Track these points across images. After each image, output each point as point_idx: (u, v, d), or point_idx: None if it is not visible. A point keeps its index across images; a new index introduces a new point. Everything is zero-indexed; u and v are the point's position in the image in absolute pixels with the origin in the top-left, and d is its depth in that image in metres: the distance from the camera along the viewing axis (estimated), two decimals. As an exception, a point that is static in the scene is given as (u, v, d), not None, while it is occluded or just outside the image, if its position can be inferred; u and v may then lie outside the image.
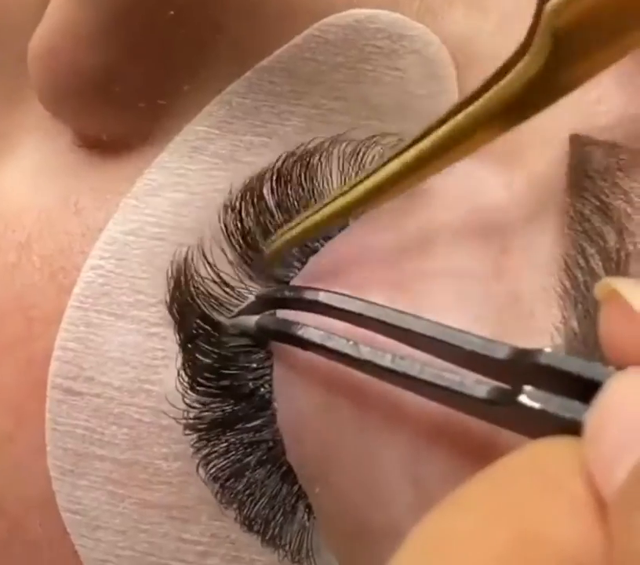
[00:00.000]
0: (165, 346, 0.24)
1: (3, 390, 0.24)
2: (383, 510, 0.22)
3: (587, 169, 0.22)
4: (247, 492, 0.24)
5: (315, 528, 0.24)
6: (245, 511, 0.24)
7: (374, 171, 0.22)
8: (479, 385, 0.19)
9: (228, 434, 0.24)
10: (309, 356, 0.23)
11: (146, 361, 0.24)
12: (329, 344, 0.21)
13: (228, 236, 0.24)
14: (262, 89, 0.24)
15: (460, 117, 0.21)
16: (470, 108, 0.20)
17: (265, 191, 0.24)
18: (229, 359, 0.24)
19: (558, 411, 0.18)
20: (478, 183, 0.24)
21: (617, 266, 0.21)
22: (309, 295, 0.22)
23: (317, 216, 0.23)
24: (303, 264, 0.24)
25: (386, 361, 0.20)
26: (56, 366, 0.24)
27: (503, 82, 0.20)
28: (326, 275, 0.24)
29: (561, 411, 0.18)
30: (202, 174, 0.25)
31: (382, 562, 0.22)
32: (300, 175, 0.24)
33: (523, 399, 0.18)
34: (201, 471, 0.24)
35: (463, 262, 0.22)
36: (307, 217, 0.23)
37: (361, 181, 0.22)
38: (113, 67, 0.24)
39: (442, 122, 0.21)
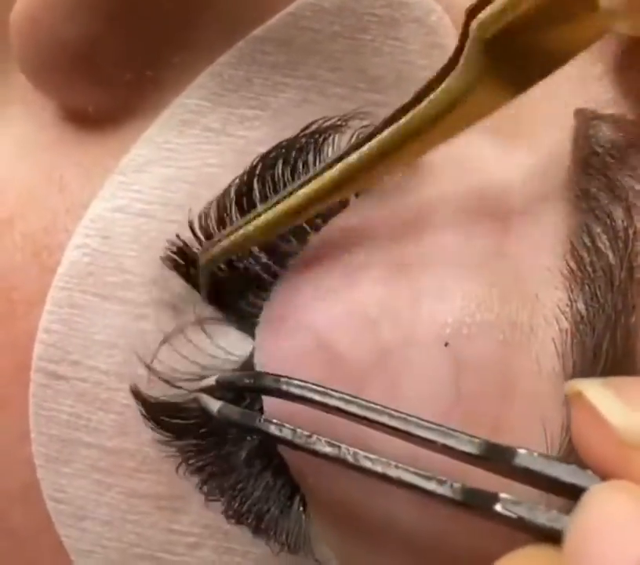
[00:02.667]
0: (154, 328, 0.23)
1: None
2: (380, 502, 0.21)
3: (592, 145, 0.21)
4: (239, 486, 0.23)
5: (311, 519, 0.23)
6: (236, 505, 0.23)
7: (304, 183, 0.22)
8: (452, 487, 0.19)
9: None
10: (294, 335, 0.22)
11: (134, 344, 0.23)
12: (292, 439, 0.21)
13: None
14: (255, 60, 0.23)
15: (390, 130, 0.20)
16: (401, 121, 0.20)
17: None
18: None
19: (535, 520, 0.18)
20: (480, 160, 0.23)
21: (625, 245, 0.20)
22: (270, 383, 0.21)
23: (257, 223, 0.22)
24: (303, 242, 0.23)
25: (349, 458, 0.20)
26: (39, 348, 0.23)
27: (432, 97, 0.20)
28: (326, 257, 0.23)
29: (539, 520, 0.18)
30: (192, 149, 0.24)
31: (377, 554, 0.21)
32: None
33: (499, 508, 0.18)
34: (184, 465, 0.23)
35: (464, 242, 0.21)
36: (244, 224, 0.22)
37: (293, 191, 0.22)
38: (96, 37, 0.23)
39: (372, 135, 0.21)
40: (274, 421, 0.21)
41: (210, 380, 0.23)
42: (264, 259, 0.23)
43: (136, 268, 0.23)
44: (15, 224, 0.24)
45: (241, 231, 0.22)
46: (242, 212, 0.23)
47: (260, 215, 0.22)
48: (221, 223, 0.23)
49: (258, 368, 0.23)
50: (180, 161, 0.24)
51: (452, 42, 0.23)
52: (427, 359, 0.21)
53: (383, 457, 0.20)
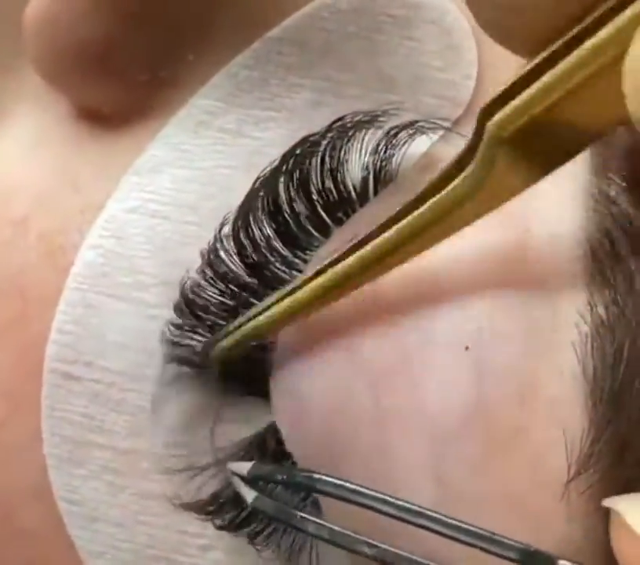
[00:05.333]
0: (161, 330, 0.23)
1: None
2: None
3: (612, 147, 0.21)
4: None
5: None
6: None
7: (316, 274, 0.21)
8: None
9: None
10: (317, 329, 0.22)
11: (147, 345, 0.23)
12: (331, 539, 0.21)
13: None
14: (270, 61, 0.23)
15: (407, 220, 0.20)
16: (413, 216, 0.20)
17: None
18: None
19: None
20: None
21: None
22: (304, 481, 0.21)
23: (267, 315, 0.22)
24: (326, 236, 0.23)
25: (388, 559, 0.20)
26: (53, 349, 0.23)
27: (447, 191, 0.19)
28: None
29: None
30: (207, 150, 0.24)
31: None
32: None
33: None
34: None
35: (485, 243, 0.21)
36: (253, 317, 0.22)
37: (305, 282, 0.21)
38: (112, 36, 0.23)
39: (386, 225, 0.20)
40: (312, 519, 0.21)
41: (242, 467, 0.22)
42: (286, 253, 0.23)
43: (149, 269, 0.23)
44: (29, 223, 0.24)
45: (251, 323, 0.22)
46: (270, 217, 0.23)
47: (270, 307, 0.22)
48: (248, 234, 0.23)
49: (280, 356, 0.22)
50: (194, 162, 0.23)
51: (468, 44, 0.24)
52: (448, 363, 0.20)
53: (424, 559, 0.20)
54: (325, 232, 0.23)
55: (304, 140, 0.23)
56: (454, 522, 0.19)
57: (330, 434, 0.22)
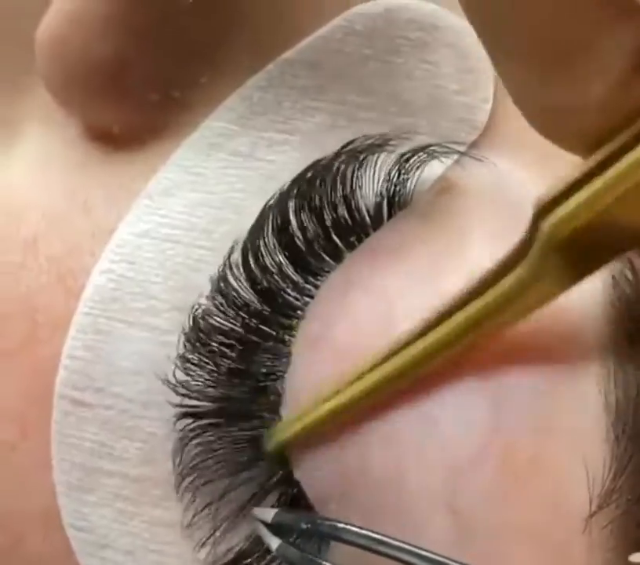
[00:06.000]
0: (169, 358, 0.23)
1: (6, 398, 0.23)
2: (415, 534, 0.21)
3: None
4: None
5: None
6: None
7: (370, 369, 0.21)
8: None
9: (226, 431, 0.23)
10: (332, 362, 0.22)
11: (159, 371, 0.23)
12: None
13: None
14: (284, 83, 0.23)
15: (451, 321, 0.20)
16: (462, 314, 0.20)
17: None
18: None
19: None
20: (510, 179, 0.23)
21: None
22: (328, 530, 0.21)
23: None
24: (337, 261, 0.23)
25: None
26: (63, 375, 0.23)
27: (497, 289, 0.19)
28: (362, 279, 0.22)
29: None
30: (220, 173, 0.23)
31: None
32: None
33: None
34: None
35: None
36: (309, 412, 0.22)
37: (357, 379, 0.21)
38: (125, 56, 0.22)
39: (430, 327, 0.20)
40: None
41: (267, 514, 0.22)
42: (297, 279, 0.23)
43: (161, 294, 0.23)
44: (39, 245, 0.23)
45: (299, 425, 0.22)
46: (280, 242, 0.23)
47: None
48: (257, 260, 0.23)
49: (292, 387, 0.22)
50: (207, 185, 0.23)
51: (485, 66, 0.23)
52: (465, 391, 0.20)
53: None
54: (338, 257, 0.23)
55: (314, 164, 0.23)
56: None
57: (343, 465, 0.21)
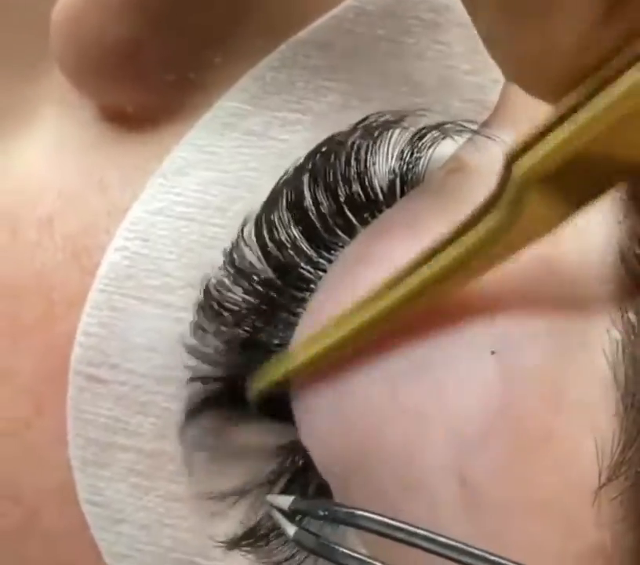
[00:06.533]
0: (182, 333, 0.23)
1: (22, 374, 0.23)
2: (426, 508, 0.21)
3: None
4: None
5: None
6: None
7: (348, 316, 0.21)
8: None
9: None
10: None
11: (173, 347, 0.23)
12: None
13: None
14: (297, 63, 0.23)
15: (428, 267, 0.20)
16: (440, 257, 0.20)
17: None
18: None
19: None
20: None
21: None
22: (345, 517, 0.21)
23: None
24: (351, 236, 0.23)
25: None
26: (78, 352, 0.23)
27: (474, 232, 0.20)
28: (375, 254, 0.22)
29: None
30: (234, 152, 0.23)
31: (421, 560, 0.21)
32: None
33: None
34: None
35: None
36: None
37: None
38: (140, 37, 0.23)
39: (409, 272, 0.21)
40: (355, 555, 0.21)
41: (283, 501, 0.22)
42: (311, 253, 0.23)
43: (175, 272, 0.23)
44: (55, 224, 0.24)
45: (283, 366, 0.22)
46: (294, 217, 0.23)
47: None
48: (272, 233, 0.23)
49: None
50: (220, 164, 0.23)
51: None
52: (474, 366, 0.20)
53: None
54: (351, 232, 0.23)
55: (329, 139, 0.23)
56: (500, 559, 0.19)
57: (354, 441, 0.22)
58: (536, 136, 0.18)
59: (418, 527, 0.20)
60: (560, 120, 0.17)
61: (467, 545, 0.19)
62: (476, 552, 0.19)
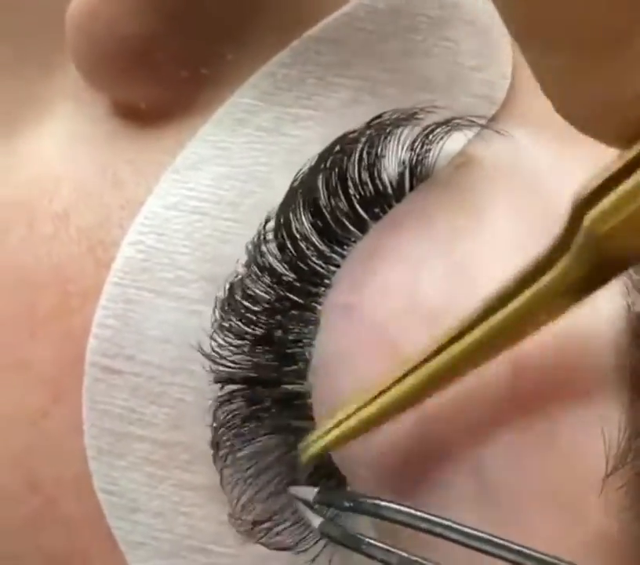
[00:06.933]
0: (206, 324, 0.23)
1: (39, 364, 0.24)
2: (438, 500, 0.21)
3: None
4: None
5: None
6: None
7: (415, 368, 0.20)
8: None
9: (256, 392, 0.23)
10: (359, 329, 0.22)
11: (187, 339, 0.23)
12: (396, 563, 0.20)
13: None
14: (308, 60, 0.24)
15: (498, 316, 0.19)
16: (507, 309, 0.19)
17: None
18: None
19: None
20: (527, 154, 0.23)
21: None
22: (370, 509, 0.21)
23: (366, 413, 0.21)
24: (363, 231, 0.23)
25: None
26: (94, 343, 0.23)
27: (540, 284, 0.19)
28: (387, 248, 0.23)
29: None
30: (246, 147, 0.24)
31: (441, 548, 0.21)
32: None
33: None
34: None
35: (520, 243, 0.21)
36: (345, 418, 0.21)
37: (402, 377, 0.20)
38: (154, 34, 0.23)
39: (470, 327, 0.20)
40: (381, 545, 0.21)
41: (307, 493, 0.22)
42: (323, 248, 0.23)
43: (189, 265, 0.24)
44: (70, 217, 0.24)
45: (334, 433, 0.22)
46: (309, 214, 0.23)
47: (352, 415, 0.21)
48: (288, 229, 0.23)
49: (320, 353, 0.23)
50: (233, 159, 0.24)
51: (503, 43, 0.24)
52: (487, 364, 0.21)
53: None
54: (362, 228, 0.23)
55: (343, 136, 0.23)
56: (522, 549, 0.19)
57: (370, 435, 0.22)
58: (607, 183, 0.17)
59: (442, 518, 0.20)
60: (631, 167, 0.17)
61: (491, 535, 0.20)
62: (499, 542, 0.19)
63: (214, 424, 0.23)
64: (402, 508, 0.20)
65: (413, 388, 0.20)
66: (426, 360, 0.20)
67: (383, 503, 0.21)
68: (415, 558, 0.20)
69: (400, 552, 0.20)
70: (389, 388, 0.21)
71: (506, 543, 0.19)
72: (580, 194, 0.17)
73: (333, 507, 0.22)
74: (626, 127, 0.17)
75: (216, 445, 0.23)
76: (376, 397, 0.21)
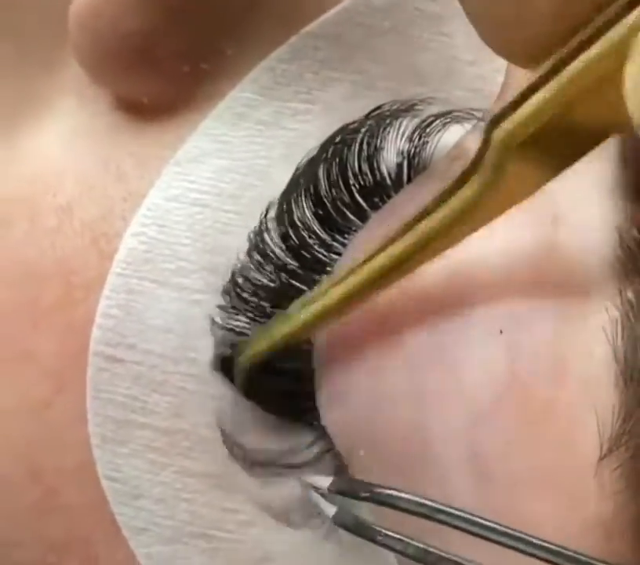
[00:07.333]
0: (208, 313, 0.24)
1: (43, 355, 0.24)
2: (436, 485, 0.22)
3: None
4: None
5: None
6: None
7: (347, 275, 0.22)
8: None
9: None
10: (359, 313, 0.23)
11: (189, 328, 0.24)
12: (415, 554, 0.21)
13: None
14: (307, 55, 0.24)
15: (423, 226, 0.20)
16: (434, 217, 0.20)
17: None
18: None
19: None
20: None
21: None
22: (386, 499, 0.21)
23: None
24: (363, 220, 0.24)
25: None
26: (97, 333, 0.24)
27: (460, 195, 0.20)
28: (385, 232, 0.23)
29: None
30: (245, 141, 0.24)
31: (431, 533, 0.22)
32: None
33: None
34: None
35: (514, 242, 0.22)
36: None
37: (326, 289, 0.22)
38: (156, 30, 0.23)
39: (395, 238, 0.21)
40: (397, 536, 0.21)
41: (322, 482, 0.23)
42: (324, 236, 0.24)
43: (190, 256, 0.24)
44: (74, 210, 0.25)
45: (284, 326, 0.23)
46: (311, 203, 0.24)
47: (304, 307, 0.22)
48: (290, 218, 0.24)
49: (322, 338, 0.23)
50: (233, 153, 0.24)
51: None
52: (484, 345, 0.21)
53: None
54: (362, 217, 0.24)
55: (343, 128, 0.24)
56: (538, 541, 0.20)
57: (371, 419, 0.23)
58: (515, 102, 0.18)
59: (458, 509, 0.20)
60: (538, 85, 0.18)
61: (505, 527, 0.20)
62: (513, 533, 0.20)
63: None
64: (420, 499, 0.21)
65: (358, 284, 0.21)
66: (368, 259, 0.21)
67: (400, 494, 0.21)
68: (432, 549, 0.21)
69: (414, 543, 0.21)
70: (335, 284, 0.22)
71: (521, 535, 0.20)
72: (491, 111, 0.19)
73: (349, 496, 0.22)
74: (535, 47, 0.18)
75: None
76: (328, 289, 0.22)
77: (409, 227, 0.21)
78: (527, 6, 0.17)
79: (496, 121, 0.19)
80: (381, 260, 0.21)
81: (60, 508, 0.25)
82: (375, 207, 0.24)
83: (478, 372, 0.21)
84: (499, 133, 0.19)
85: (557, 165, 0.19)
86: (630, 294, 0.21)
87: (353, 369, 0.23)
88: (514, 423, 0.21)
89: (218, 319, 0.24)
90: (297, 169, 0.24)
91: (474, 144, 0.24)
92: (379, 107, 0.24)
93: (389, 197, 0.24)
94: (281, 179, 0.24)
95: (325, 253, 0.24)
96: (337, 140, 0.24)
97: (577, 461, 0.21)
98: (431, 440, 0.22)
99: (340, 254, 0.24)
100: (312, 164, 0.24)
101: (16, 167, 0.26)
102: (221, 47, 0.24)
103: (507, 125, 0.18)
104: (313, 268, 0.24)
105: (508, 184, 0.19)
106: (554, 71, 0.18)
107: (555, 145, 0.19)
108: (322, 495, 0.23)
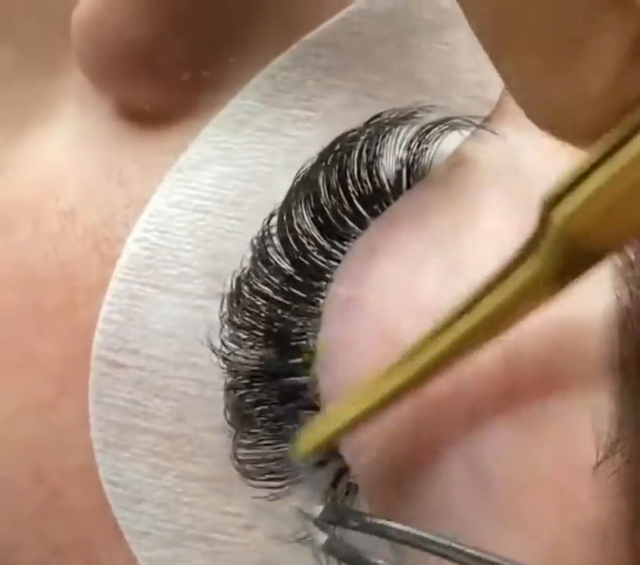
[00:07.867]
0: (210, 319, 0.24)
1: (46, 359, 0.24)
2: (434, 487, 0.22)
3: None
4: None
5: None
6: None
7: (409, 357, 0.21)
8: None
9: (265, 384, 0.24)
10: (360, 322, 0.23)
11: (191, 334, 0.24)
12: None
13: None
14: (308, 63, 0.24)
15: (469, 317, 0.20)
16: (476, 312, 0.20)
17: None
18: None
19: None
20: (520, 153, 0.24)
21: None
22: (378, 530, 0.21)
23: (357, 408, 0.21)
24: (362, 227, 0.24)
25: None
26: (100, 338, 0.24)
27: (508, 285, 0.19)
28: (386, 245, 0.23)
29: None
30: (247, 148, 0.25)
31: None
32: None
33: None
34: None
35: (513, 235, 0.22)
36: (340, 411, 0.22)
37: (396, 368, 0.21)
38: (158, 37, 0.24)
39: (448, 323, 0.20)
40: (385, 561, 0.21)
41: (313, 510, 0.22)
42: (323, 243, 0.24)
43: (192, 262, 0.24)
44: (76, 216, 0.25)
45: (330, 427, 0.22)
46: (311, 210, 0.24)
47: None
48: (290, 225, 0.24)
49: (321, 348, 0.23)
50: (234, 159, 0.25)
51: None
52: (482, 353, 0.21)
53: None
54: (362, 224, 0.24)
55: (343, 135, 0.24)
56: None
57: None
58: (573, 182, 0.18)
59: (449, 539, 0.20)
60: (596, 165, 0.17)
61: (499, 557, 0.20)
62: (504, 563, 0.20)
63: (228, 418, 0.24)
64: (410, 530, 0.20)
65: (405, 381, 0.21)
66: (416, 352, 0.21)
67: (390, 524, 0.21)
68: None
69: None
70: (385, 379, 0.21)
71: None
72: (548, 192, 0.18)
73: (339, 525, 0.22)
74: (588, 127, 0.17)
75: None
76: (374, 387, 0.21)
77: (462, 311, 0.20)
78: (577, 89, 0.17)
79: (555, 200, 0.18)
80: (434, 353, 0.20)
81: (63, 509, 0.25)
82: (374, 214, 0.24)
83: (477, 379, 0.21)
84: (558, 215, 0.18)
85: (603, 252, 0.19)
86: (625, 301, 0.21)
87: (351, 371, 0.23)
88: (511, 429, 0.21)
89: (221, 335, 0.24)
90: (297, 177, 0.24)
91: (472, 152, 0.24)
92: (378, 115, 0.24)
93: (388, 204, 0.24)
94: (283, 185, 0.24)
95: (324, 260, 0.24)
96: (337, 147, 0.24)
97: (574, 466, 0.21)
98: (431, 444, 0.22)
99: (339, 261, 0.24)
100: (312, 171, 0.24)
101: (20, 172, 0.26)
102: (223, 55, 0.24)
103: (567, 206, 0.18)
104: (312, 275, 0.24)
105: (567, 268, 0.19)
106: (614, 149, 0.17)
107: (608, 231, 0.18)
108: (314, 523, 0.22)
